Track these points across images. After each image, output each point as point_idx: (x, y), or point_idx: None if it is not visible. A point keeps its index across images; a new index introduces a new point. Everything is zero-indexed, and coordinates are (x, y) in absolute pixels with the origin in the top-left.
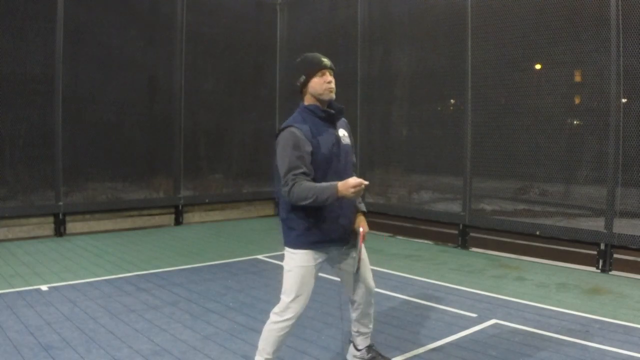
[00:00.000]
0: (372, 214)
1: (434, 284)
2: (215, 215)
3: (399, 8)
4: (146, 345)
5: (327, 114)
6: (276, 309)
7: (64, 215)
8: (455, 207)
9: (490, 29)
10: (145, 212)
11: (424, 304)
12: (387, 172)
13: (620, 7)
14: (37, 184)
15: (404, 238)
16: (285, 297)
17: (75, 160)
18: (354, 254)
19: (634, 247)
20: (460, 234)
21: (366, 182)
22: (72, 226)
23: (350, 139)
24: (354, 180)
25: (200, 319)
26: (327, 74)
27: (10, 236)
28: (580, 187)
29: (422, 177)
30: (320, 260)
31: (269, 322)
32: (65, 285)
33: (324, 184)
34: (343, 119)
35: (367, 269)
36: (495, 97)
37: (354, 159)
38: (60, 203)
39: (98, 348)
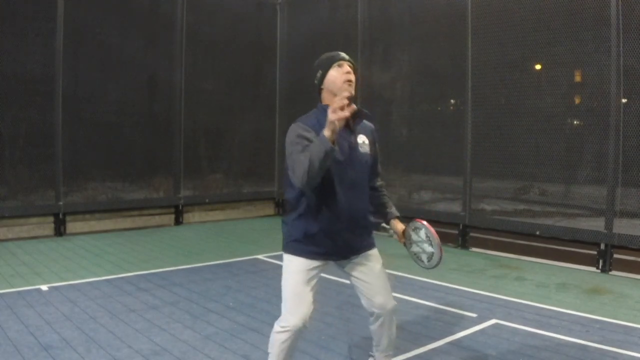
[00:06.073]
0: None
1: (433, 283)
2: (216, 215)
3: (399, 8)
4: (146, 345)
5: None
6: (280, 318)
7: (64, 215)
8: (455, 207)
9: (490, 29)
10: (145, 212)
11: (423, 304)
12: (387, 172)
13: (620, 7)
14: (37, 184)
15: None
16: (282, 307)
17: (75, 160)
18: (366, 262)
19: (634, 247)
20: (460, 234)
21: (346, 98)
22: (72, 226)
23: (374, 149)
24: (332, 112)
25: (200, 319)
26: (346, 65)
27: (10, 236)
28: (580, 187)
29: (422, 177)
30: (315, 267)
31: (272, 330)
32: (65, 285)
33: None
34: (369, 124)
35: (382, 280)
36: (495, 97)
37: (378, 170)
38: (60, 203)
39: (98, 348)
